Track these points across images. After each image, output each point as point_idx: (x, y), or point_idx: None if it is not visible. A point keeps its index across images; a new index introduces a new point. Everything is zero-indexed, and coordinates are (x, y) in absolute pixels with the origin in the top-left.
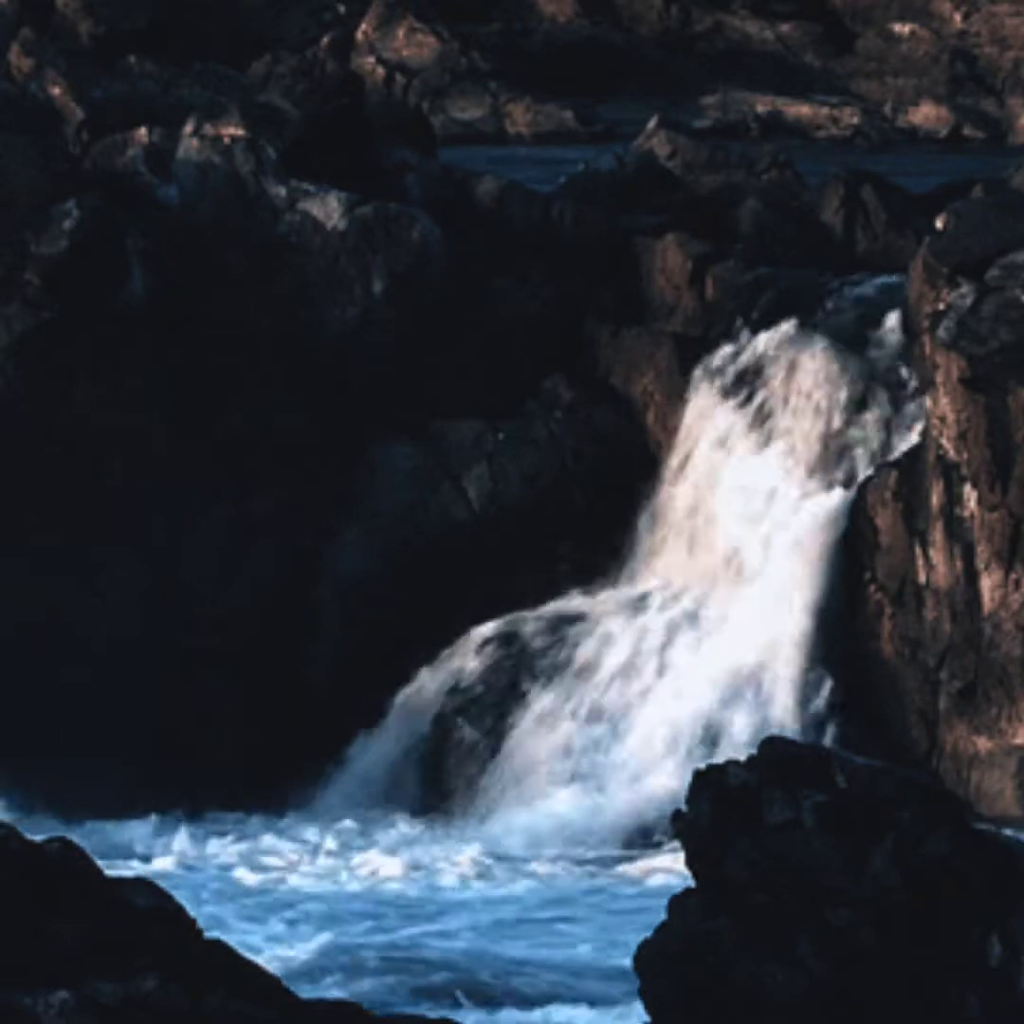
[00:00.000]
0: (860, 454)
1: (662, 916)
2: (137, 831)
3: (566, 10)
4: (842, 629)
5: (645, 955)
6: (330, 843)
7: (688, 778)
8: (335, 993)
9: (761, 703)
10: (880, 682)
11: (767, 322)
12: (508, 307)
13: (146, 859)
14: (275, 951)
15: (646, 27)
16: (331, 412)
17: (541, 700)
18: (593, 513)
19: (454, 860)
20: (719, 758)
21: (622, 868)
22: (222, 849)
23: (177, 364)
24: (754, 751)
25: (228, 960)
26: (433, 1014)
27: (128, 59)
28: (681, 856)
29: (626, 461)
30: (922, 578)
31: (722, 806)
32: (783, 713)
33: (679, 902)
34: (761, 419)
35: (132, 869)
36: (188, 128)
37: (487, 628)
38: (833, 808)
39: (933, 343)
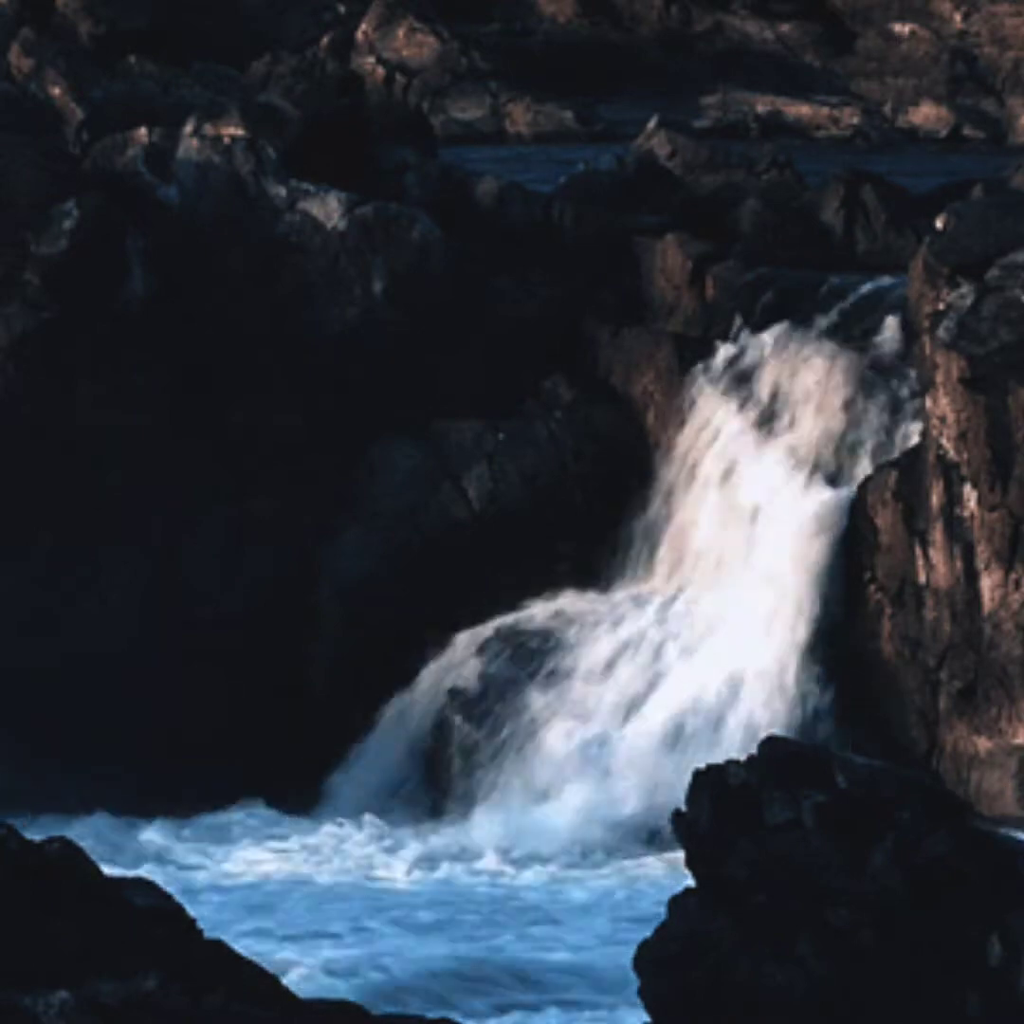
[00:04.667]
0: (860, 454)
1: (661, 916)
2: (137, 830)
3: (566, 10)
4: (842, 629)
5: (645, 955)
6: (330, 843)
7: (687, 778)
8: (332, 994)
9: (761, 703)
10: (880, 682)
11: (767, 322)
12: (508, 307)
13: (146, 859)
14: (274, 950)
15: (646, 27)
16: (331, 412)
17: (541, 700)
18: (593, 513)
19: (453, 860)
20: (718, 758)
21: (621, 868)
22: (221, 849)
23: (177, 364)
24: (754, 751)
25: (228, 960)
26: (432, 1014)
27: (128, 59)
28: (681, 856)
29: (626, 461)
30: (922, 578)
31: (722, 806)
32: (783, 713)
33: (679, 902)
34: (761, 419)
35: (132, 869)
36: (188, 128)
37: (487, 628)
38: (833, 808)
39: (933, 343)
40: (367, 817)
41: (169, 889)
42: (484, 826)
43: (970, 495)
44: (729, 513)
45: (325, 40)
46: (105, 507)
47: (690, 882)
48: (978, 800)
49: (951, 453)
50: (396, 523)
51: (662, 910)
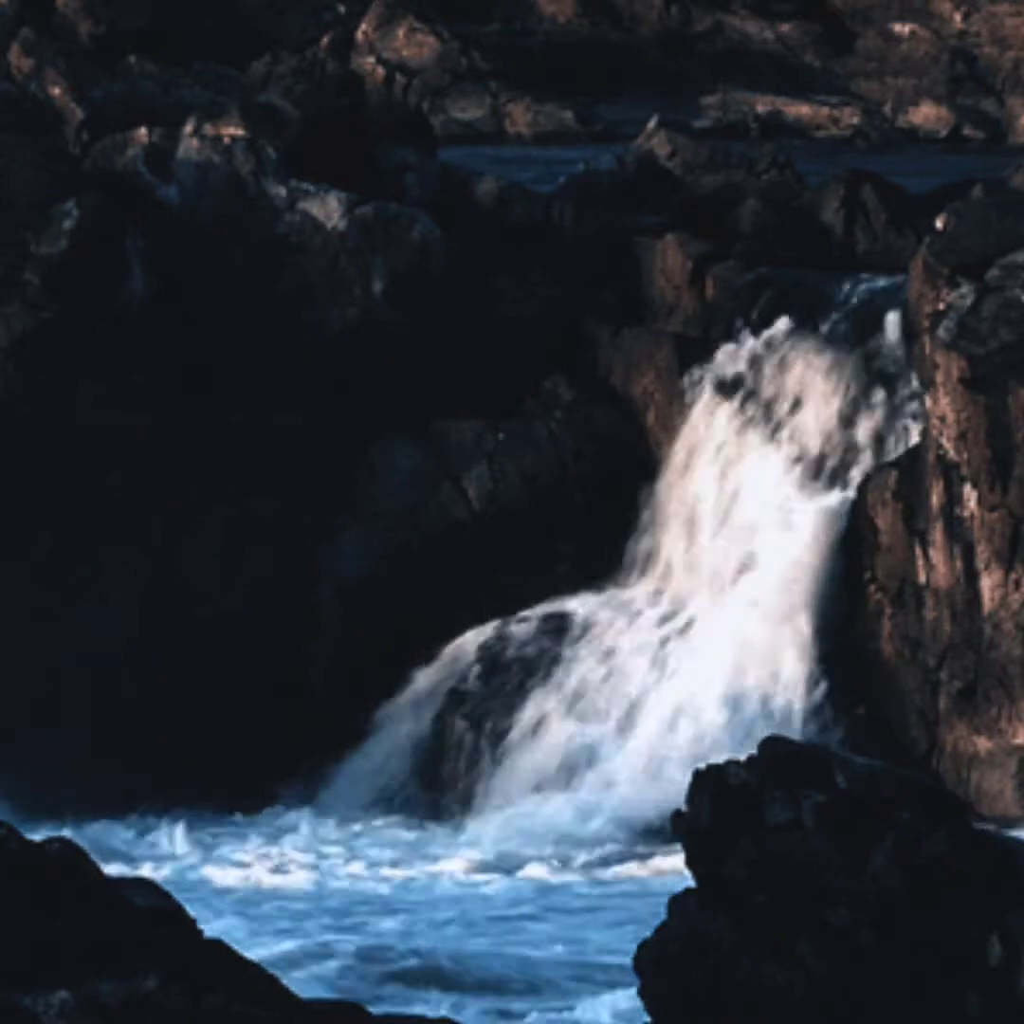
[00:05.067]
0: (860, 454)
1: (661, 916)
2: (137, 830)
3: (566, 10)
4: (842, 629)
5: (645, 955)
6: (329, 843)
7: (688, 778)
8: (330, 994)
9: (761, 703)
10: (880, 682)
11: (767, 322)
12: (508, 307)
13: (145, 858)
14: (273, 950)
15: (646, 27)
16: (331, 412)
17: (540, 700)
18: (593, 513)
19: (451, 860)
20: (718, 758)
21: (621, 868)
22: (221, 848)
23: (177, 364)
24: (754, 751)
25: (228, 960)
26: (432, 1014)
27: (128, 59)
28: (681, 856)
29: (626, 461)
30: (922, 578)
31: (722, 806)
32: (783, 713)
33: (679, 902)
34: (761, 419)
35: (131, 869)
36: (188, 128)
37: (487, 628)
38: (833, 808)
39: (933, 343)
40: (366, 817)
41: (168, 888)
42: (483, 826)
43: (970, 495)
44: (729, 513)
45: (325, 40)
46: (105, 507)
47: (690, 882)
48: (978, 800)
49: (951, 453)
50: (396, 523)
51: (662, 910)
